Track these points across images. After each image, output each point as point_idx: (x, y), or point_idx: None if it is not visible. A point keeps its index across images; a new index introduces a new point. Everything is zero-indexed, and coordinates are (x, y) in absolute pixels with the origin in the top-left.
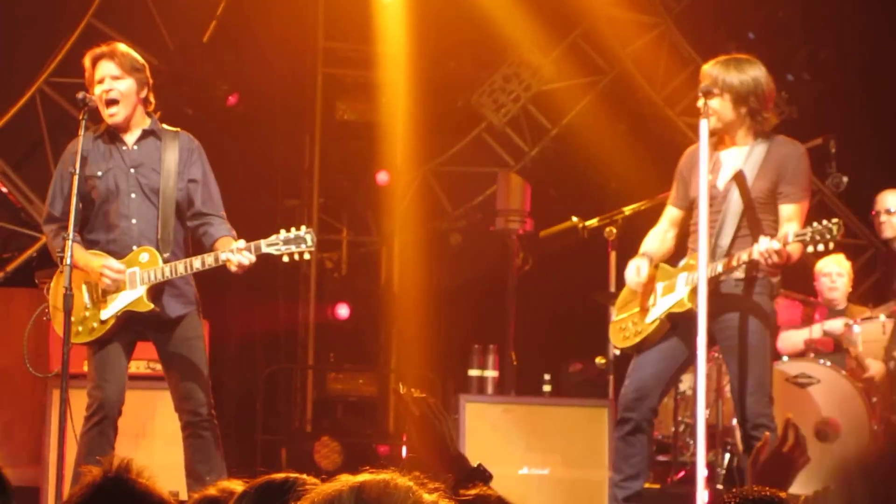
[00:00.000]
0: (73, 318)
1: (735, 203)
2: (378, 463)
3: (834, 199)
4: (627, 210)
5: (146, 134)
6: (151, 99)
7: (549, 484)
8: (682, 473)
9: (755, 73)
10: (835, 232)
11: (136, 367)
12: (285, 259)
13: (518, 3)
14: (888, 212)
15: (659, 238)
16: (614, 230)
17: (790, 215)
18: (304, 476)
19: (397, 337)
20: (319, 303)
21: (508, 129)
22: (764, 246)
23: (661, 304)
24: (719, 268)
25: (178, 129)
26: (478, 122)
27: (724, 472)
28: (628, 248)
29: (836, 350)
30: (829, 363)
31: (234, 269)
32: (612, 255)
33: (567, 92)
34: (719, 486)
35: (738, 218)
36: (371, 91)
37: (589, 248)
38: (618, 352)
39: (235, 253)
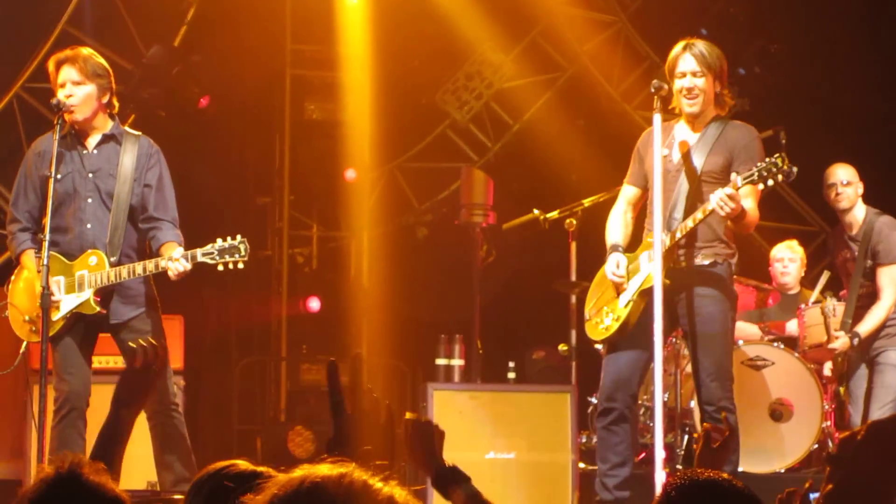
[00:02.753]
0: (27, 318)
1: (689, 177)
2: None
3: (785, 187)
4: (587, 202)
5: (107, 138)
6: (115, 102)
7: (515, 467)
8: (642, 455)
9: (719, 51)
10: (780, 164)
11: (107, 361)
12: (220, 268)
13: (478, 3)
14: (843, 183)
15: (622, 223)
16: (574, 221)
17: (744, 192)
18: (261, 468)
19: (367, 328)
20: (291, 296)
21: (471, 125)
22: (718, 194)
23: (631, 286)
24: (678, 234)
25: (140, 133)
26: (442, 119)
27: (682, 452)
28: (588, 238)
29: (788, 338)
30: (782, 346)
31: (171, 275)
32: (573, 246)
33: (528, 89)
34: (678, 467)
35: (690, 192)
36: (338, 91)
37: (550, 239)
38: (600, 346)
39: (173, 261)
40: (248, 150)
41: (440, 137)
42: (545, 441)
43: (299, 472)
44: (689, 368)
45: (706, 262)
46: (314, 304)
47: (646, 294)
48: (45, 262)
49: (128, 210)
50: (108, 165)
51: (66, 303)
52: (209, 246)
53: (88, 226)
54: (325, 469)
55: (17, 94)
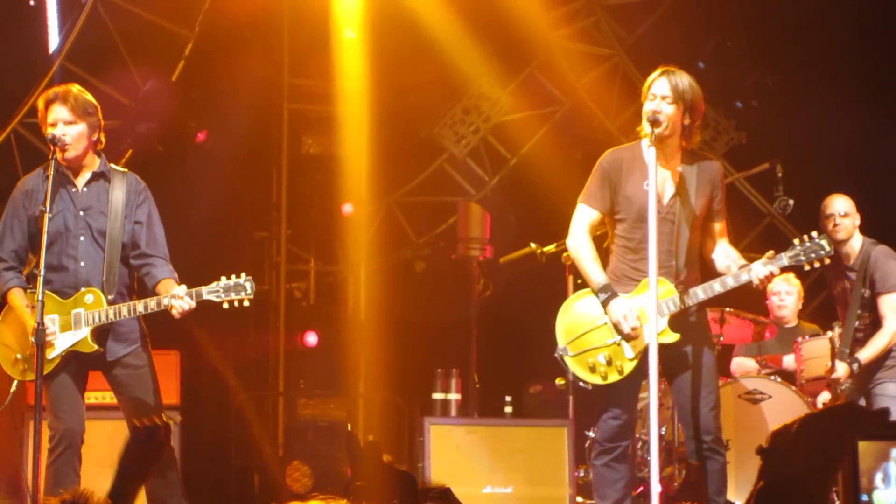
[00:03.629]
0: (18, 356)
1: (682, 221)
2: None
3: (782, 220)
4: None
5: (96, 176)
6: (103, 139)
7: (512, 501)
8: (640, 489)
9: (693, 82)
10: (826, 247)
11: (103, 397)
12: (225, 306)
13: (475, 37)
14: (841, 214)
15: (595, 257)
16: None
17: (722, 230)
18: None
19: (365, 362)
20: (289, 331)
21: (469, 159)
22: (762, 271)
23: (642, 339)
24: (700, 294)
25: (126, 170)
26: (439, 154)
27: (677, 485)
28: None
29: (784, 371)
30: (779, 379)
31: (175, 314)
32: (570, 279)
33: (525, 123)
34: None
35: (687, 237)
36: (335, 125)
37: (547, 272)
38: (585, 384)
39: (177, 298)
40: (245, 185)
41: (438, 171)
42: (542, 475)
43: None
44: None
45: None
46: (312, 338)
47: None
48: (40, 298)
49: (120, 247)
50: (99, 203)
51: (63, 341)
52: (214, 284)
53: (82, 264)
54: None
55: (14, 130)
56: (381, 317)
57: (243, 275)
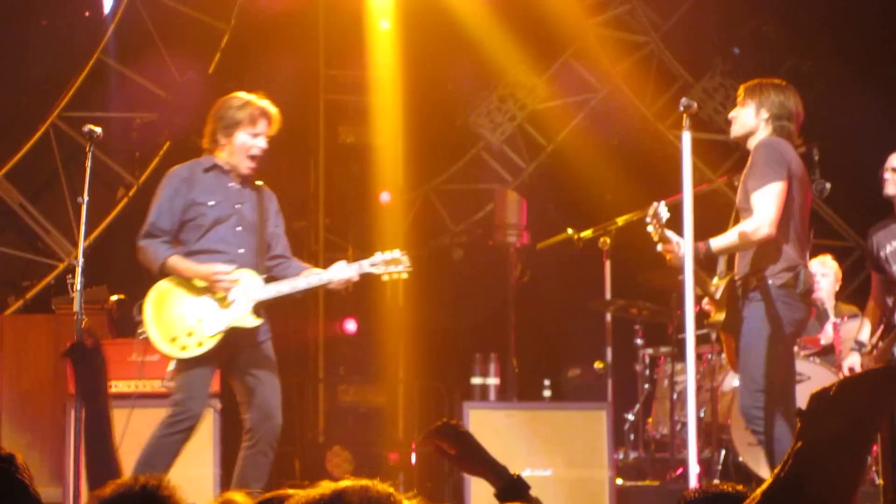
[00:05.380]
0: (172, 334)
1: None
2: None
3: (820, 203)
4: (620, 221)
5: (245, 179)
6: None
7: (553, 484)
8: (680, 470)
9: (790, 98)
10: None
11: (151, 385)
12: (385, 278)
13: (510, 25)
14: (893, 170)
15: None
16: (608, 240)
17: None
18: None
19: (404, 349)
20: (328, 318)
21: (506, 147)
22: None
23: None
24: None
25: (261, 182)
26: (476, 142)
27: (720, 468)
28: (622, 257)
29: (824, 350)
30: (818, 360)
31: (338, 285)
32: (607, 265)
33: (561, 110)
34: (716, 482)
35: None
36: (372, 115)
37: (584, 258)
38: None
39: (342, 270)
40: (282, 175)
41: (474, 159)
42: (582, 457)
43: (324, 483)
44: (724, 385)
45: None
46: (351, 325)
47: None
48: (79, 288)
49: (265, 245)
50: (251, 201)
51: (223, 317)
52: (374, 257)
53: (241, 251)
54: (347, 482)
55: (53, 124)
56: (420, 304)
57: (397, 250)
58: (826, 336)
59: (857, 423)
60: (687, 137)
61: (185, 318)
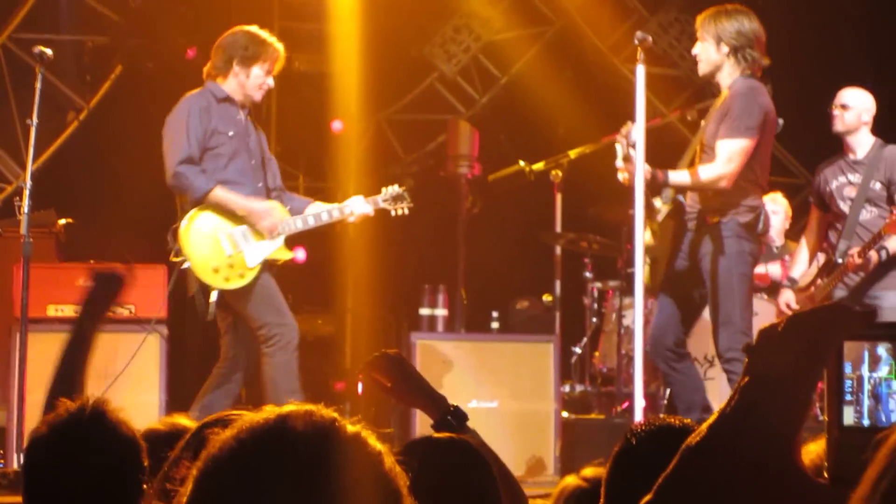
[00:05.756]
0: (213, 265)
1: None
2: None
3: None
4: (573, 153)
5: (246, 112)
6: None
7: (498, 416)
8: (625, 404)
9: (744, 21)
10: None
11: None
12: (392, 213)
13: None
14: (842, 106)
15: None
16: (560, 173)
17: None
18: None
19: (353, 279)
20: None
21: (459, 78)
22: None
23: None
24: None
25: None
26: (430, 72)
27: (665, 402)
28: (573, 189)
29: (772, 285)
30: (765, 297)
31: (354, 219)
32: (558, 197)
33: (516, 42)
34: (662, 416)
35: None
36: (326, 43)
37: (536, 190)
38: None
39: (362, 205)
40: None
41: (428, 90)
42: (528, 390)
43: (268, 408)
44: None
45: (711, 221)
46: (300, 254)
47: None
48: (27, 211)
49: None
50: (254, 136)
51: (261, 249)
52: (384, 192)
53: (259, 184)
54: (291, 407)
55: (3, 45)
56: (370, 233)
57: (396, 185)
58: (774, 273)
59: (805, 359)
60: (641, 71)
61: (223, 248)
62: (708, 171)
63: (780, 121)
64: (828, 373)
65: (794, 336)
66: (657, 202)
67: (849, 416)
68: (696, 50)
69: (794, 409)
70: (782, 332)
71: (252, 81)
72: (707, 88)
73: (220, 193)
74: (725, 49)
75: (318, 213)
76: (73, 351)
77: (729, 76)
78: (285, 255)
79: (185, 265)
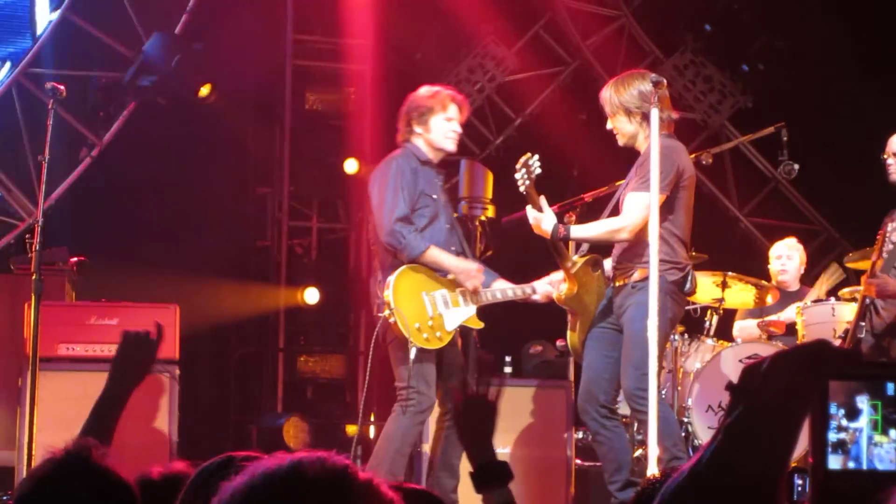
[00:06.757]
0: (419, 322)
1: None
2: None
3: (787, 185)
4: (587, 197)
5: (442, 178)
6: None
7: (510, 461)
8: (638, 451)
9: (639, 84)
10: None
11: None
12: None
13: None
14: (894, 154)
15: None
16: (574, 216)
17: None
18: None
19: (365, 320)
20: (289, 287)
21: (473, 118)
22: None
23: None
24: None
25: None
26: None
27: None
28: None
29: (787, 332)
30: (780, 344)
31: (539, 298)
32: (571, 242)
33: (530, 82)
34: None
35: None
36: (340, 82)
37: None
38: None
39: (544, 286)
40: (248, 140)
41: None
42: (541, 436)
43: (280, 454)
44: (687, 365)
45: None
46: (313, 295)
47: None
48: (38, 248)
49: None
50: (446, 199)
51: (457, 315)
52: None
53: (453, 248)
54: (304, 453)
55: (16, 81)
56: None
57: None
58: (788, 318)
59: (789, 399)
60: (655, 114)
61: (426, 308)
62: (610, 223)
63: (795, 166)
64: (812, 413)
65: (777, 375)
66: (574, 256)
67: (834, 461)
68: (609, 126)
69: (780, 450)
70: (766, 371)
71: (435, 134)
72: (723, 133)
73: (434, 252)
74: (638, 118)
75: (504, 289)
76: (101, 413)
77: (646, 140)
78: (477, 324)
79: (391, 319)
